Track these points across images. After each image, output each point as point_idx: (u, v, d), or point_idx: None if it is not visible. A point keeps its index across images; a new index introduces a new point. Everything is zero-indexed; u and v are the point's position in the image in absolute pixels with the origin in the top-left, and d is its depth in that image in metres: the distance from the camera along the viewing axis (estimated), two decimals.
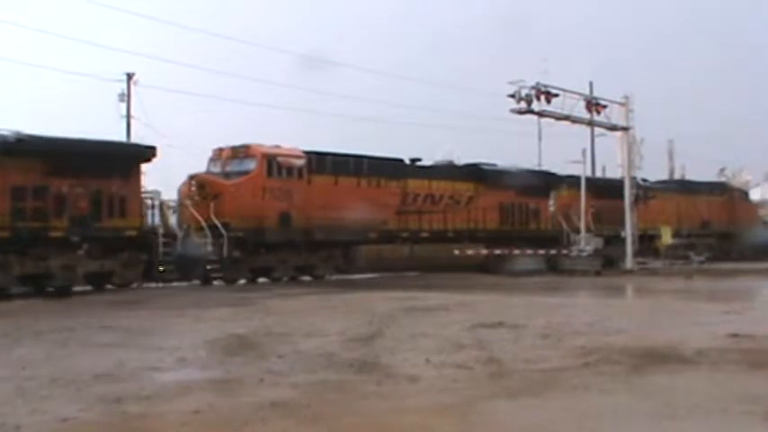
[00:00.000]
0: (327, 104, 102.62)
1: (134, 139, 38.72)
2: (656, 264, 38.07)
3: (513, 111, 31.46)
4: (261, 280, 27.06)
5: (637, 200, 37.11)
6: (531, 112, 31.70)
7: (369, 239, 29.69)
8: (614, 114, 35.18)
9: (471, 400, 7.65)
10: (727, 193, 49.66)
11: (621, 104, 35.33)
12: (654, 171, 47.71)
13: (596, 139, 48.26)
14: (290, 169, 27.58)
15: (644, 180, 40.84)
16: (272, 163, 27.13)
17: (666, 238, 40.31)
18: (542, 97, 31.34)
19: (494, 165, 35.47)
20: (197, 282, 25.63)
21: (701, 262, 40.06)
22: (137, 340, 12.10)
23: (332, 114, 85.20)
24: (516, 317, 14.32)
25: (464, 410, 7.32)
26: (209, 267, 25.30)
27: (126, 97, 43.16)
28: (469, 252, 32.61)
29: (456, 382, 8.44)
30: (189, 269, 25.17)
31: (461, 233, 32.99)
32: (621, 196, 37.99)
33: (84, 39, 77.98)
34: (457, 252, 32.17)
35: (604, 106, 34.79)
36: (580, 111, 33.61)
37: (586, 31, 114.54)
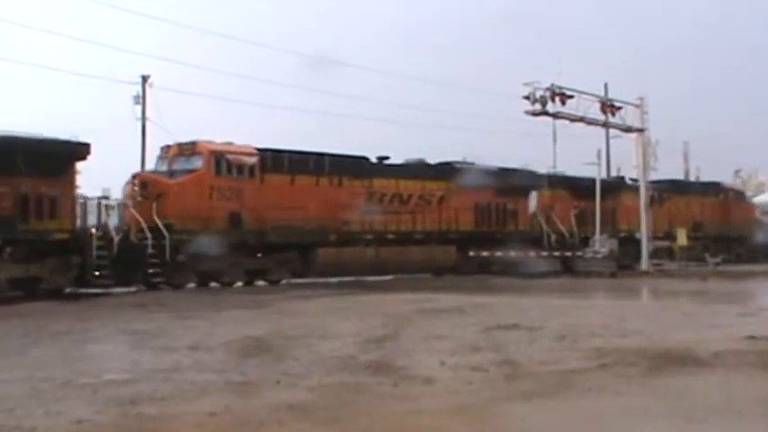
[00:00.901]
0: (338, 105, 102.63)
1: (149, 142, 38.89)
2: (672, 265, 37.94)
3: (527, 112, 31.43)
4: (213, 284, 25.71)
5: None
6: (546, 113, 31.63)
7: (328, 241, 28.30)
8: (629, 116, 35.12)
9: (487, 402, 7.64)
10: (722, 194, 47.74)
11: (636, 106, 35.25)
12: (669, 172, 47.14)
13: (612, 141, 48.27)
14: (240, 167, 26.33)
15: (633, 180, 39.94)
16: (221, 161, 25.90)
17: (682, 239, 40.14)
18: (557, 99, 31.29)
19: (470, 163, 34.06)
20: (142, 287, 24.02)
21: (717, 264, 39.90)
22: (152, 342, 12.13)
23: (343, 115, 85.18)
24: (532, 318, 14.30)
25: (479, 412, 7.32)
26: (150, 271, 23.84)
27: (141, 100, 43.31)
28: (440, 254, 31.60)
29: (471, 384, 8.43)
30: (127, 273, 23.54)
31: (431, 234, 31.71)
32: (606, 197, 37.59)
33: (93, 40, 77.70)
34: (425, 254, 31.05)
35: (619, 108, 34.72)
36: (595, 112, 33.55)
37: (601, 32, 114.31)
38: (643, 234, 35.17)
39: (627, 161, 40.56)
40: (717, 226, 44.54)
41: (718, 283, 27.97)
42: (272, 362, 10.01)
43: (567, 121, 33.29)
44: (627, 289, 25.35)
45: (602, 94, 37.58)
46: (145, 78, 43.30)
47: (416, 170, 32.45)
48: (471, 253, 32.76)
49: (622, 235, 37.71)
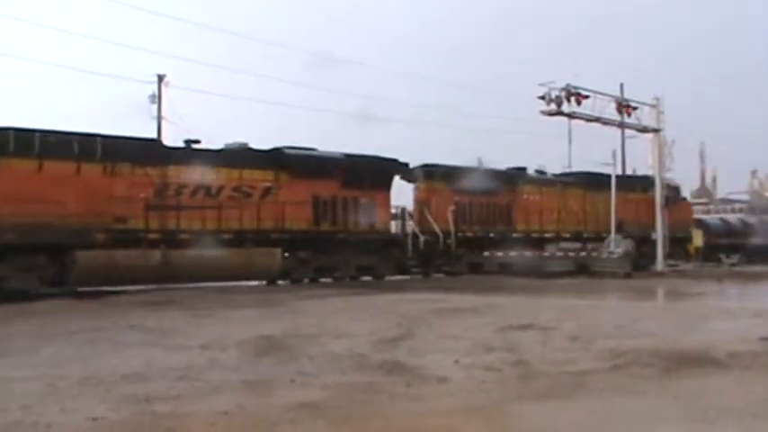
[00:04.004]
0: (350, 104, 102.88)
1: (165, 140, 38.90)
2: (687, 266, 37.77)
3: (543, 112, 31.38)
4: None
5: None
6: (562, 113, 31.59)
7: (94, 243, 22.71)
8: (645, 116, 35.02)
9: (500, 402, 7.64)
10: (652, 190, 40.49)
11: (652, 106, 35.16)
12: (685, 173, 46.64)
13: (627, 141, 48.18)
14: None
15: (539, 171, 37.70)
16: None
17: (698, 240, 40.00)
18: (572, 99, 31.24)
19: (308, 149, 28.75)
20: None
21: (733, 264, 39.71)
22: (166, 340, 12.16)
23: (353, 115, 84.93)
24: (545, 319, 14.26)
25: (493, 412, 7.32)
26: None
27: (157, 99, 43.55)
28: (260, 258, 26.30)
29: (485, 384, 8.42)
30: None
31: (247, 234, 26.14)
32: (500, 191, 34.39)
33: (109, 39, 78.43)
34: (238, 258, 25.61)
35: (635, 108, 34.62)
36: (611, 112, 33.46)
37: (618, 32, 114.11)
38: (659, 234, 35.04)
39: (642, 160, 40.13)
40: (643, 226, 37.85)
41: (734, 283, 27.87)
42: (285, 361, 10.02)
43: (582, 122, 33.20)
44: (641, 290, 25.27)
45: (618, 94, 37.46)
46: (161, 77, 43.57)
47: (232, 157, 26.82)
48: (303, 255, 27.86)
49: (516, 236, 34.31)
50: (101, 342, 12.05)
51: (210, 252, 24.54)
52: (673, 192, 40.76)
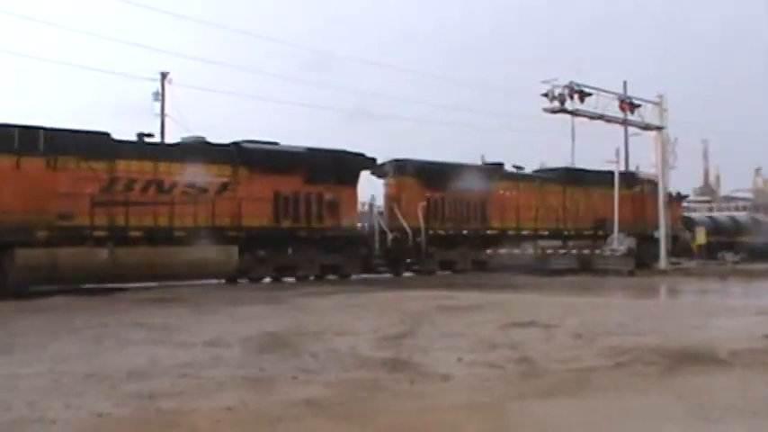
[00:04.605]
0: (351, 102, 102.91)
1: (168, 138, 38.90)
2: (690, 263, 37.72)
3: (546, 110, 31.37)
4: None
5: (528, 190, 35.34)
6: (565, 111, 31.58)
7: (35, 241, 21.52)
8: (648, 114, 34.98)
9: (503, 400, 7.65)
10: (637, 186, 39.38)
11: (655, 104, 35.14)
12: (688, 171, 46.66)
13: (631, 138, 48.13)
14: None
15: (517, 167, 36.53)
16: None
17: (701, 238, 39.96)
18: (575, 96, 31.22)
19: (271, 143, 27.69)
20: None
21: (735, 262, 39.67)
22: (170, 337, 12.19)
23: (354, 112, 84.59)
24: (548, 316, 14.27)
25: (496, 409, 7.33)
26: None
27: (160, 96, 43.54)
28: (215, 256, 24.94)
29: (488, 382, 8.44)
30: None
31: (201, 231, 24.67)
32: (470, 188, 32.63)
33: (112, 37, 78.61)
34: (191, 256, 24.17)
35: (638, 105, 34.58)
36: (614, 110, 33.44)
37: (621, 30, 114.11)
38: (661, 232, 35.02)
39: (646, 158, 39.81)
40: (627, 223, 36.03)
41: (737, 281, 27.85)
42: (288, 358, 10.04)
43: (586, 119, 33.18)
44: (644, 287, 25.27)
45: (621, 91, 37.41)
46: (164, 75, 43.57)
47: (187, 152, 25.54)
48: (261, 254, 26.71)
49: (490, 232, 33.54)
50: (105, 339, 12.08)
51: (162, 250, 23.70)
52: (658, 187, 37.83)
